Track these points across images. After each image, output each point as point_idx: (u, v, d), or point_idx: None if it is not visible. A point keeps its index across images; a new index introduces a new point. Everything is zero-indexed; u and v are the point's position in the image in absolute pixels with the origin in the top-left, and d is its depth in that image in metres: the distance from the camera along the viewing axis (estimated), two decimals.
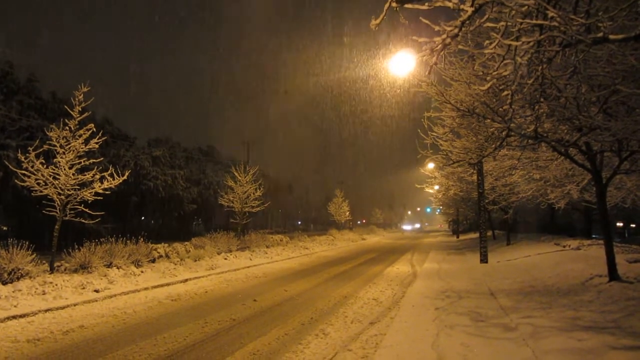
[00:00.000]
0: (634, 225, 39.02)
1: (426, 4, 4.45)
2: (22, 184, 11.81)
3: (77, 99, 12.43)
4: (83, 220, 12.57)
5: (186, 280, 13.01)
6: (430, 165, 21.79)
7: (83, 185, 12.42)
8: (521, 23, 4.32)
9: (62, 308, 8.97)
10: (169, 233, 45.83)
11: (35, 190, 11.75)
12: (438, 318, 7.40)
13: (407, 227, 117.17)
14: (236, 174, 25.02)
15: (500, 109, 7.13)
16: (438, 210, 70.36)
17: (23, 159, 11.56)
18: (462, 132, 10.23)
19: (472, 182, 19.20)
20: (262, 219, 78.43)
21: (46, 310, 8.64)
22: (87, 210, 12.49)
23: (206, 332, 7.17)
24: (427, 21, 4.59)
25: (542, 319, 6.81)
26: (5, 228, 33.04)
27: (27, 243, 10.97)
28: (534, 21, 4.30)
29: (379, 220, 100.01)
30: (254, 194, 25.22)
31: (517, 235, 28.30)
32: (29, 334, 7.08)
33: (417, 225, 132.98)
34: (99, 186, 12.47)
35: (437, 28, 4.56)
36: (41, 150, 11.71)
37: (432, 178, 21.42)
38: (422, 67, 7.73)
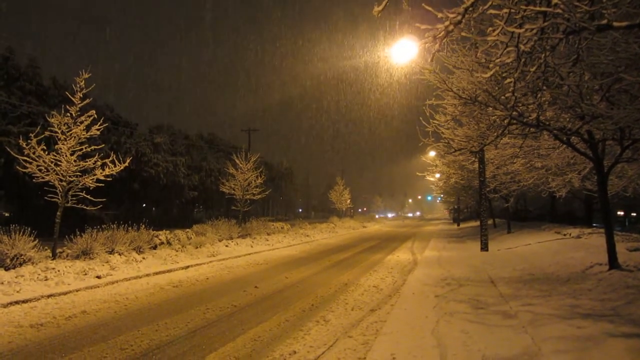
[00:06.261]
0: (634, 214, 39.04)
1: None
2: (24, 170, 11.82)
3: (78, 85, 12.37)
4: (85, 207, 12.58)
5: (187, 267, 13.07)
6: (432, 154, 21.80)
7: (84, 171, 12.41)
8: (525, 10, 4.28)
9: (65, 294, 9.03)
10: (170, 220, 45.93)
11: (37, 177, 11.75)
12: (438, 305, 7.44)
13: (391, 214, 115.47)
14: (237, 161, 24.98)
15: (503, 97, 7.09)
16: (439, 199, 70.43)
17: (24, 146, 11.54)
18: (464, 120, 10.20)
19: (474, 170, 19.16)
20: (263, 206, 78.60)
21: (49, 296, 8.70)
22: (88, 196, 12.49)
23: (207, 318, 7.22)
24: (429, 8, 4.55)
25: (542, 306, 6.84)
26: (7, 214, 33.14)
27: (29, 229, 11.01)
28: (538, 8, 4.26)
29: (380, 208, 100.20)
30: (255, 181, 25.22)
31: (518, 223, 28.35)
32: (31, 319, 7.14)
33: (410, 214, 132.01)
34: (101, 173, 12.46)
35: (440, 15, 4.51)
36: (42, 136, 11.67)
37: (433, 166, 21.38)
38: (425, 55, 7.68)
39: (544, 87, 6.42)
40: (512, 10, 4.31)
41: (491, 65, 5.43)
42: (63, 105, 12.39)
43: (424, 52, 7.32)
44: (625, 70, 5.75)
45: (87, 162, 12.25)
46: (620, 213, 38.53)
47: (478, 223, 19.89)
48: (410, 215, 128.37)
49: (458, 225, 48.41)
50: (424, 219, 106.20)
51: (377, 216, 77.67)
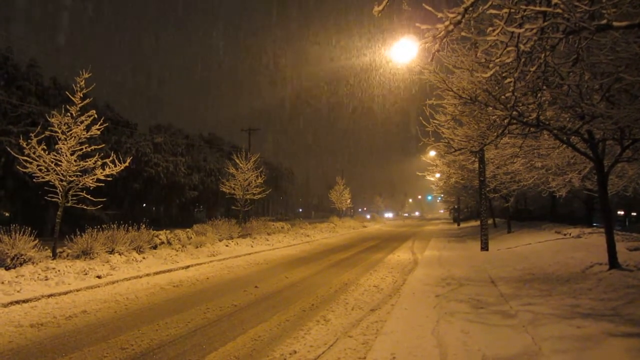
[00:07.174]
0: (634, 214, 39.03)
1: None
2: (24, 170, 11.82)
3: (78, 85, 12.38)
4: (85, 207, 12.58)
5: (188, 266, 13.07)
6: (432, 153, 21.81)
7: (85, 171, 12.41)
8: (525, 10, 4.28)
9: (65, 293, 9.03)
10: (171, 220, 46.00)
11: (37, 177, 11.75)
12: (438, 305, 7.44)
13: (387, 214, 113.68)
14: (237, 161, 24.99)
15: (503, 97, 7.10)
16: (439, 198, 70.48)
17: (25, 145, 11.54)
18: (464, 119, 10.20)
19: (474, 170, 19.17)
20: (263, 206, 78.64)
21: (49, 296, 8.70)
22: (89, 196, 12.49)
23: (208, 318, 7.22)
24: (430, 8, 4.55)
25: (542, 306, 6.84)
26: (7, 214, 33.14)
27: (29, 229, 11.01)
28: (538, 8, 4.26)
29: (380, 207, 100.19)
30: (255, 181, 25.21)
31: (518, 223, 28.35)
32: (32, 318, 7.14)
33: (406, 215, 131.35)
34: (101, 173, 12.45)
35: (440, 15, 4.52)
36: (43, 136, 11.67)
37: (433, 166, 21.39)
38: (425, 54, 7.68)
39: (544, 87, 6.42)
40: (512, 10, 4.31)
41: (491, 65, 5.43)
42: (63, 105, 12.39)
43: (424, 52, 7.33)
44: (625, 70, 5.75)
45: (87, 162, 12.25)
46: (621, 213, 38.51)
47: (478, 223, 19.88)
48: (406, 215, 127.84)
49: (458, 225, 48.39)
50: (424, 218, 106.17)
51: (376, 216, 77.63)
